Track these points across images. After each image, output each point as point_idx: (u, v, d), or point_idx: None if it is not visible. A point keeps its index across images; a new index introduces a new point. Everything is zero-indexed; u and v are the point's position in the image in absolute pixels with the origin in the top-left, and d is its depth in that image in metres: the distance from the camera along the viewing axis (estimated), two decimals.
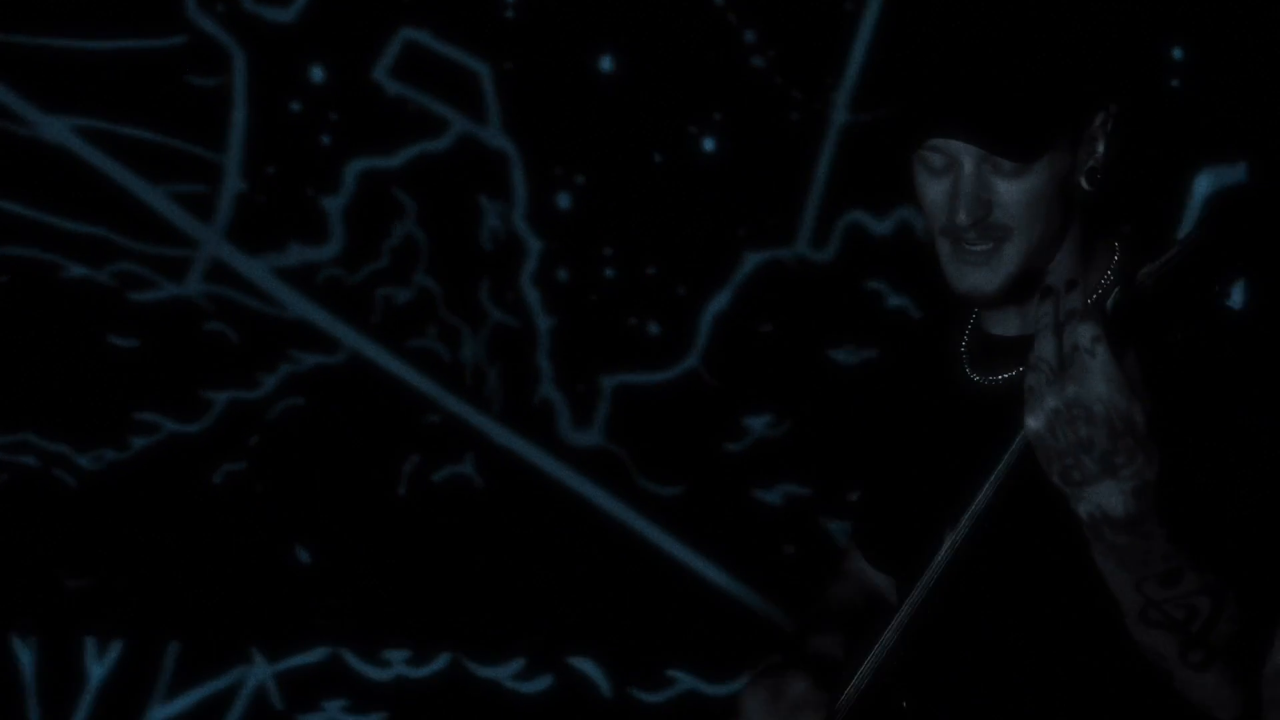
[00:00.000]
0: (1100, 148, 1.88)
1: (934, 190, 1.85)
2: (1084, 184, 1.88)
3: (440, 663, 3.47)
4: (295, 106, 3.39)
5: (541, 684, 3.47)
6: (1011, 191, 1.83)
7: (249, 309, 3.43)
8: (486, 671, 3.46)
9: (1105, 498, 1.67)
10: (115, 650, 3.53)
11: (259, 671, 3.48)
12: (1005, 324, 1.94)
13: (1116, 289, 1.72)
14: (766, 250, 3.37)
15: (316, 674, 3.47)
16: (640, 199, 3.38)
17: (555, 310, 3.41)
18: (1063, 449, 1.68)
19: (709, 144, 3.36)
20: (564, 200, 3.39)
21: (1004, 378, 1.91)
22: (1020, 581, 1.86)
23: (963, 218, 1.82)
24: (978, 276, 1.85)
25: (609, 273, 3.40)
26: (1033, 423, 1.68)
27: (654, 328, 3.41)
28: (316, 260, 3.43)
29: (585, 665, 3.45)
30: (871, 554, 2.15)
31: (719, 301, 3.39)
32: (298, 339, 3.43)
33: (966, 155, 1.82)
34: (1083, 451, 1.66)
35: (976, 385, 1.94)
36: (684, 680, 3.43)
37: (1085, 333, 1.65)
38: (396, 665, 3.47)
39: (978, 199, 1.82)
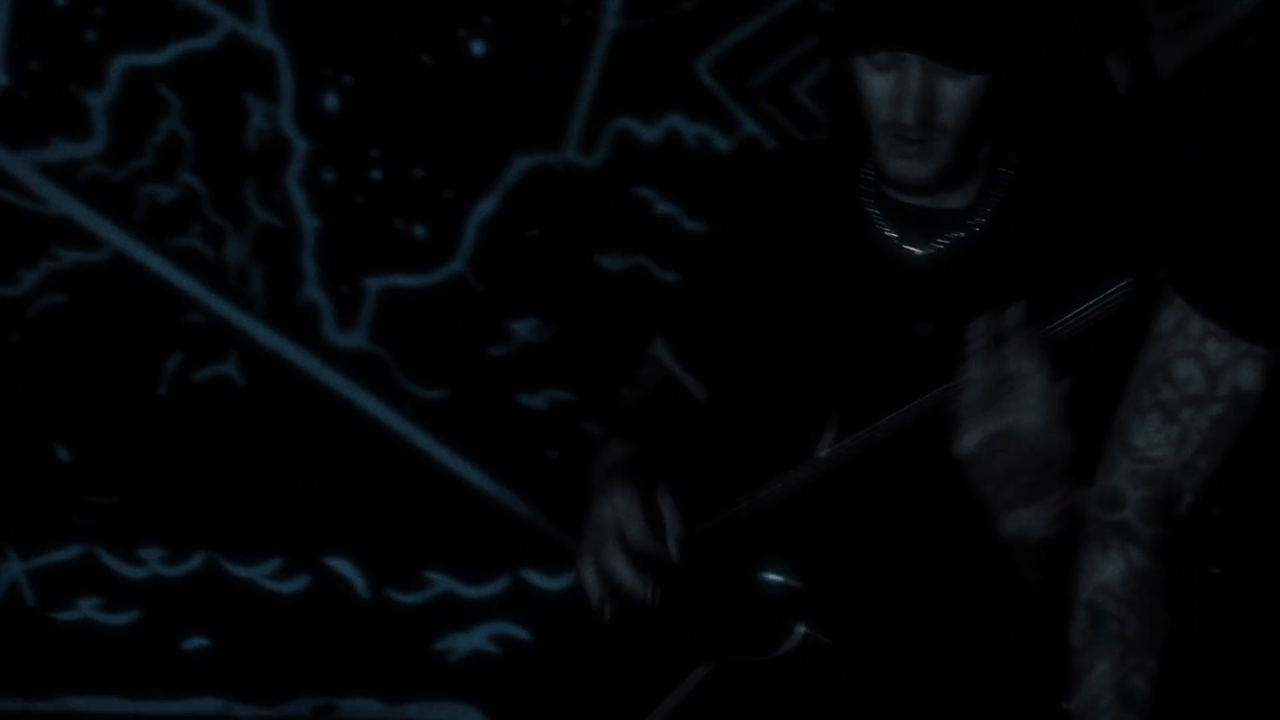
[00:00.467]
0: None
1: (878, 85, 1.94)
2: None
3: (196, 561, 3.45)
4: (60, 1, 3.34)
5: (298, 584, 3.46)
6: (956, 91, 1.92)
7: (10, 204, 3.38)
8: (242, 571, 3.45)
9: (1029, 521, 1.76)
10: None
11: (12, 568, 3.44)
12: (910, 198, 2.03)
13: (1059, 322, 1.75)
14: (534, 155, 3.37)
15: (71, 572, 3.43)
16: (408, 101, 3.36)
17: (321, 211, 3.39)
18: (992, 473, 1.74)
19: (478, 47, 3.34)
20: (331, 101, 3.37)
21: (942, 245, 2.02)
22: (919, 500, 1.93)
23: (909, 116, 1.91)
24: (915, 167, 1.95)
25: (376, 175, 3.38)
26: (966, 444, 1.74)
27: (420, 231, 3.40)
28: (80, 157, 3.38)
29: (342, 566, 3.45)
30: (696, 363, 2.22)
31: (486, 205, 3.38)
32: (60, 236, 3.38)
33: (914, 60, 1.91)
34: (1012, 478, 1.73)
35: (907, 253, 2.04)
36: (441, 581, 3.43)
37: (1027, 362, 1.72)
38: (152, 564, 3.44)
39: (923, 100, 1.92)
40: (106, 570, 3.45)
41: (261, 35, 3.35)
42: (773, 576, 2.01)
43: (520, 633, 3.44)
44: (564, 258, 3.39)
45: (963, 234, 2.01)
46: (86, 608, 3.46)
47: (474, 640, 3.46)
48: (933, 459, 1.84)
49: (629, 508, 2.02)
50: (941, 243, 2.02)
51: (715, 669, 2.03)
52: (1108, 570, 1.63)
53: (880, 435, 1.89)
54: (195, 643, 3.47)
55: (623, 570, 2.02)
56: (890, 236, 2.04)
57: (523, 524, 3.43)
